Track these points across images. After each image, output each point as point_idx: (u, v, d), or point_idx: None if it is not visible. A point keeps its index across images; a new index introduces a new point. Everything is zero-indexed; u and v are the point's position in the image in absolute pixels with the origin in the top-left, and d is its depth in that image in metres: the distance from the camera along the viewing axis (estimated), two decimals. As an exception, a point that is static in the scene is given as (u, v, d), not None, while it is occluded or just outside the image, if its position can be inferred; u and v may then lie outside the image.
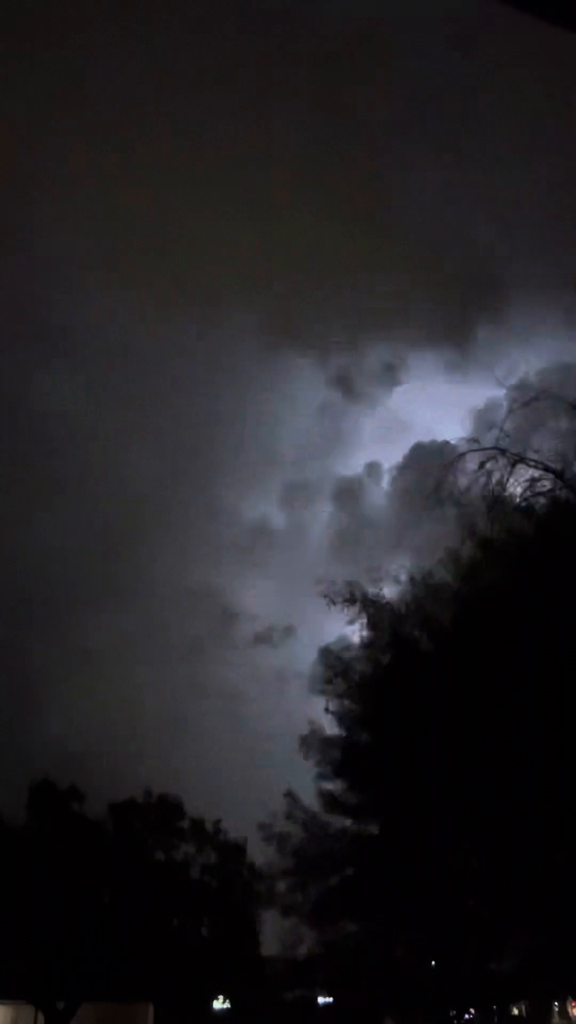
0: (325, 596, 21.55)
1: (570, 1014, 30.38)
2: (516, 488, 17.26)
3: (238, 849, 38.32)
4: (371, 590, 21.44)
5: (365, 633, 21.76)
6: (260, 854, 28.04)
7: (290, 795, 24.42)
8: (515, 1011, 30.79)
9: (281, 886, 25.01)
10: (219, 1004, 42.12)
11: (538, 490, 17.30)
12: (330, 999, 39.86)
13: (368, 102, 74.87)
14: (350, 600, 21.40)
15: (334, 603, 21.38)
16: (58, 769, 37.22)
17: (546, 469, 17.10)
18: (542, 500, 17.46)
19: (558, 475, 17.16)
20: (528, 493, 17.33)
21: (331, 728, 23.47)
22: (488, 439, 17.04)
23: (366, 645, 21.98)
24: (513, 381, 17.78)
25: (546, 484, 17.27)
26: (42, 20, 59.45)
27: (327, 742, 23.54)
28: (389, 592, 21.52)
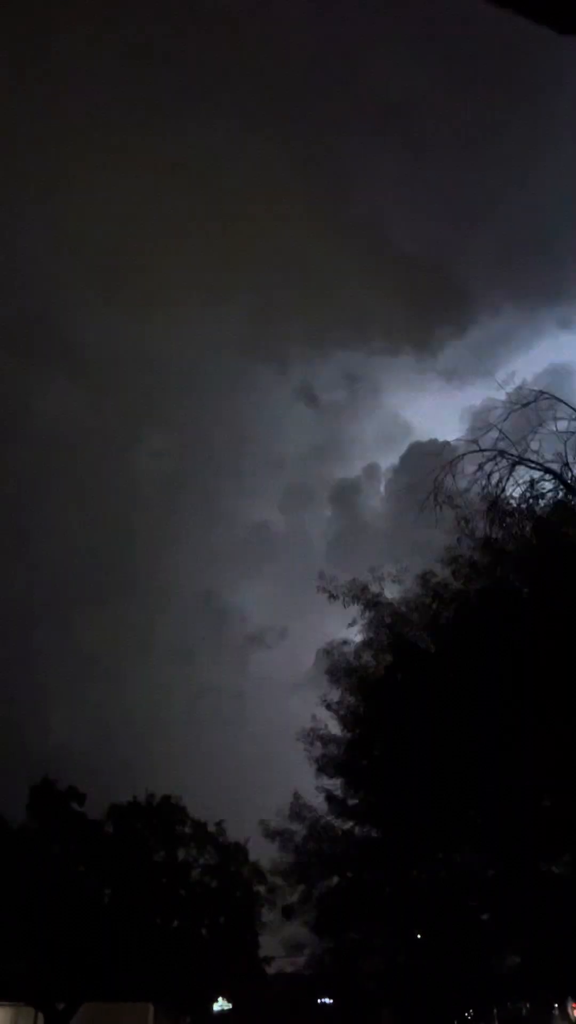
0: (327, 594, 21.59)
1: (570, 1015, 30.34)
2: (515, 490, 17.20)
3: (239, 849, 38.29)
4: (372, 590, 21.46)
5: (366, 634, 21.77)
6: (263, 856, 28.01)
7: (296, 795, 24.45)
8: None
9: (283, 890, 24.94)
10: (219, 1006, 42.09)
11: (538, 492, 17.25)
12: (330, 1000, 39.87)
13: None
14: (351, 599, 21.43)
15: (335, 599, 21.45)
16: (58, 769, 37.28)
17: (545, 471, 17.05)
18: (542, 502, 17.41)
19: (557, 476, 17.12)
20: (528, 494, 17.28)
21: (332, 728, 23.51)
22: (487, 440, 16.97)
23: (367, 645, 21.98)
24: (511, 382, 17.71)
25: (546, 485, 17.23)
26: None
27: (328, 742, 23.55)
28: (389, 592, 21.54)
